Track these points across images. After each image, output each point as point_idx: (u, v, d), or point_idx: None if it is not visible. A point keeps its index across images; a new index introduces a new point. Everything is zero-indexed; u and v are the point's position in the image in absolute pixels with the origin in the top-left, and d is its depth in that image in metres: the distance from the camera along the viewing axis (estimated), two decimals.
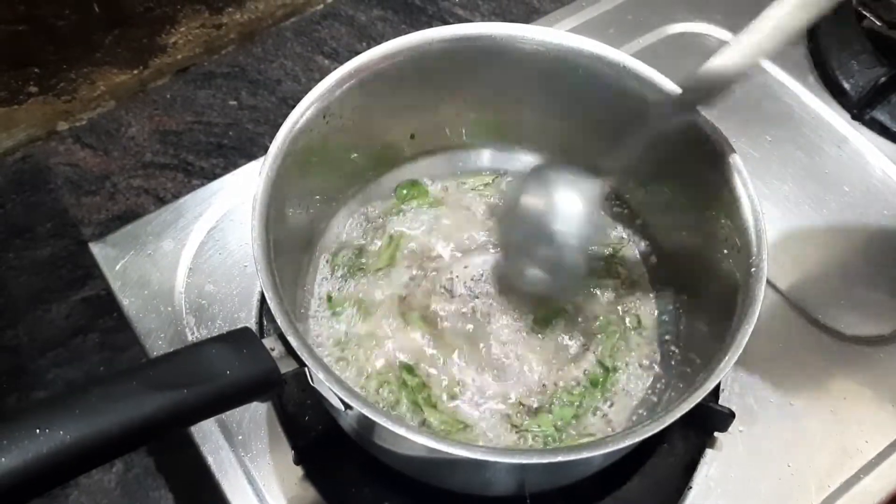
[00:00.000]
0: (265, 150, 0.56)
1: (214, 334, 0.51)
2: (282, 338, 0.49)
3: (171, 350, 0.48)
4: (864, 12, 0.88)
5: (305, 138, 0.58)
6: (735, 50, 0.53)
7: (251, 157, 0.81)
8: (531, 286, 0.64)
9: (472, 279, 0.66)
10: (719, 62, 0.53)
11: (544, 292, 0.65)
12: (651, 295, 0.68)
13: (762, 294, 0.53)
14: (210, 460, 0.62)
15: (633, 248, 0.70)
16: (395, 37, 0.62)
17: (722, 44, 0.86)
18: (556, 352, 0.64)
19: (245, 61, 0.91)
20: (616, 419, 0.62)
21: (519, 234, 0.64)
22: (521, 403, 0.61)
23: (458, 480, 0.58)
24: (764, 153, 0.80)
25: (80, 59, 0.82)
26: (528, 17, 0.95)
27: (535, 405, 0.61)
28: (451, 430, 0.59)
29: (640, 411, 0.62)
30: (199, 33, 0.89)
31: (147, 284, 0.69)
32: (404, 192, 0.72)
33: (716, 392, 0.65)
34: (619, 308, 0.67)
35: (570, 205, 0.60)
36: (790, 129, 0.83)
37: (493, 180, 0.73)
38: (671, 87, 0.60)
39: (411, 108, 0.67)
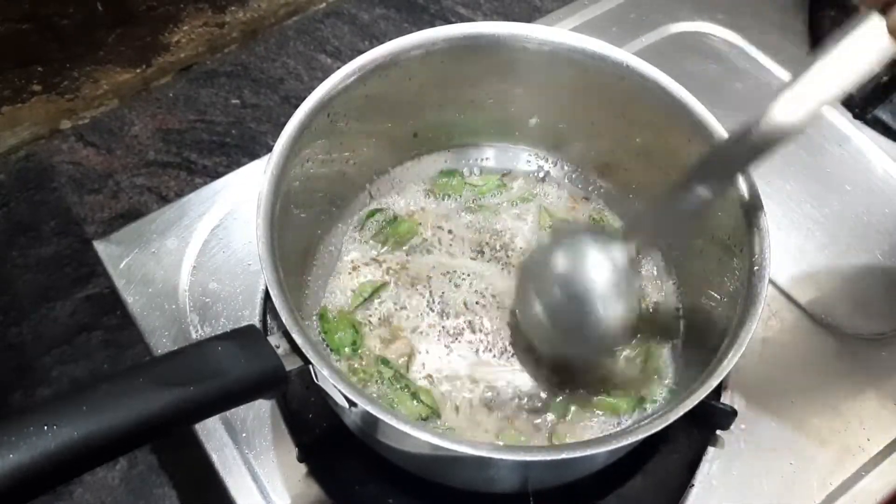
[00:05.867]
0: (268, 148, 0.57)
1: (218, 332, 0.52)
2: (286, 335, 0.49)
3: (176, 348, 0.48)
4: None
5: (309, 137, 0.59)
6: (798, 99, 0.48)
7: (254, 155, 0.82)
8: (549, 350, 0.61)
9: (475, 292, 0.67)
10: (780, 114, 0.48)
11: (560, 357, 0.62)
12: (653, 294, 0.68)
13: (764, 292, 0.53)
14: (214, 458, 0.62)
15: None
16: (397, 36, 0.62)
17: (724, 43, 0.88)
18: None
19: (248, 60, 0.91)
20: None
21: (545, 296, 0.59)
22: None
23: (461, 477, 0.59)
24: None
25: (83, 58, 0.82)
26: (530, 15, 0.95)
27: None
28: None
29: (644, 407, 0.62)
30: (201, 32, 0.89)
31: (151, 282, 0.69)
32: (444, 180, 0.72)
33: (718, 390, 0.65)
34: None
35: (605, 273, 0.56)
36: None
37: (500, 178, 0.73)
38: (673, 86, 0.61)
39: (414, 107, 0.68)
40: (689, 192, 0.53)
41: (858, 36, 0.46)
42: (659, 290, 0.68)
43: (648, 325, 0.66)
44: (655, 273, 0.69)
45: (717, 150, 0.54)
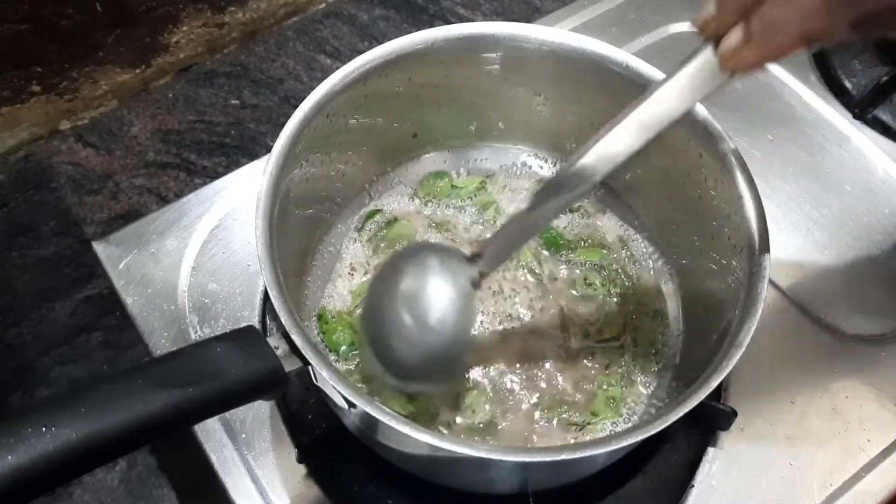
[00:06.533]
0: (267, 149, 0.57)
1: (218, 333, 0.52)
2: (286, 336, 0.49)
3: (176, 349, 0.48)
4: None
5: (309, 137, 0.59)
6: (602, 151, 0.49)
7: (253, 156, 0.82)
8: (395, 382, 0.58)
9: None
10: (610, 145, 0.49)
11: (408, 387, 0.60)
12: (653, 294, 0.68)
13: (764, 293, 0.53)
14: (213, 458, 0.62)
15: (636, 248, 0.70)
16: (396, 36, 0.62)
17: None
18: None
19: (247, 60, 0.91)
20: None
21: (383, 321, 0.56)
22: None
23: (461, 478, 0.59)
24: (766, 152, 0.80)
25: (82, 59, 0.82)
26: (529, 16, 0.95)
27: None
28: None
29: (643, 410, 0.62)
30: (201, 32, 0.89)
31: (150, 283, 0.69)
32: (430, 182, 0.72)
33: (718, 391, 0.65)
34: (623, 308, 0.67)
35: (447, 293, 0.55)
36: (792, 128, 0.83)
37: (480, 182, 0.72)
38: None
39: (413, 108, 0.68)
40: (530, 216, 0.53)
41: (695, 65, 0.45)
42: (658, 290, 0.68)
43: (647, 326, 0.66)
44: (655, 273, 0.69)
45: (550, 182, 0.53)
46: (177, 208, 0.74)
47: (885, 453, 0.64)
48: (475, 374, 0.62)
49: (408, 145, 0.71)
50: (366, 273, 0.67)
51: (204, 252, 0.71)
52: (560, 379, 0.63)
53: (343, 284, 0.67)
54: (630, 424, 0.61)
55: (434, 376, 0.58)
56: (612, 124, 0.49)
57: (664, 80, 0.47)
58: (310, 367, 0.49)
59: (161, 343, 0.67)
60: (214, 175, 0.80)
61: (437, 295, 0.55)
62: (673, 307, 0.67)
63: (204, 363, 0.46)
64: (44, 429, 0.39)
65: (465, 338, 0.58)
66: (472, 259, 0.55)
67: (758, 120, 0.82)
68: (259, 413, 0.64)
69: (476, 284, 0.55)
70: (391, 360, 0.56)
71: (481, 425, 0.60)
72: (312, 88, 0.59)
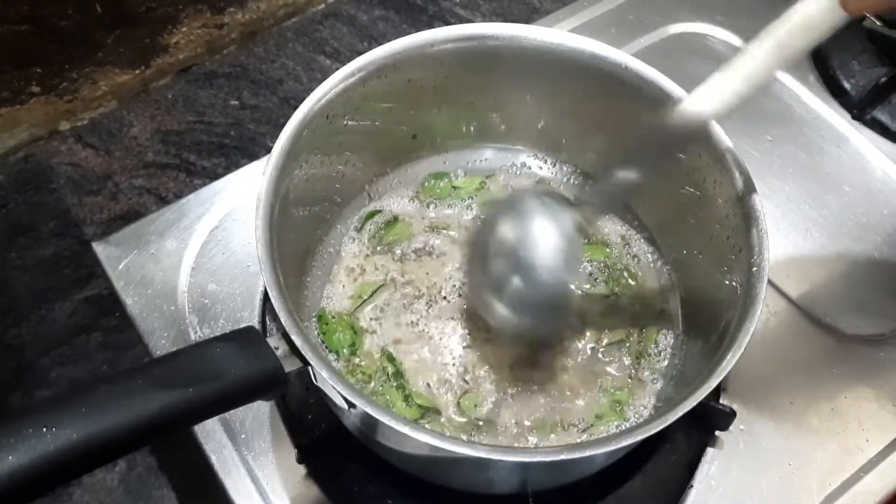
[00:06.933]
0: (267, 150, 0.57)
1: (217, 333, 0.52)
2: (285, 337, 0.49)
3: (176, 349, 0.48)
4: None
5: (308, 138, 0.59)
6: (711, 94, 0.51)
7: (253, 156, 0.82)
8: (499, 324, 0.60)
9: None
10: (694, 107, 0.51)
11: (514, 332, 0.61)
12: (657, 294, 0.68)
13: (763, 293, 0.53)
14: (213, 459, 0.62)
15: (634, 249, 0.70)
16: (396, 37, 0.62)
17: (723, 45, 0.88)
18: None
19: (247, 61, 0.91)
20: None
21: (489, 266, 0.58)
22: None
23: (461, 479, 0.59)
24: (765, 153, 0.80)
25: (82, 59, 0.82)
26: (529, 17, 0.95)
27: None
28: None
29: (646, 411, 0.62)
30: (200, 33, 0.89)
31: (150, 284, 0.69)
32: (430, 182, 0.72)
33: (717, 391, 0.65)
34: (627, 309, 0.67)
35: (547, 237, 0.56)
36: (791, 128, 0.83)
37: (480, 183, 0.72)
38: (672, 87, 0.61)
39: (413, 109, 0.68)
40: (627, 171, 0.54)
41: (807, 6, 0.47)
42: (661, 290, 0.68)
43: (651, 326, 0.66)
44: (654, 273, 0.69)
45: (665, 123, 0.54)
46: (176, 209, 0.74)
47: (883, 453, 0.65)
48: (476, 373, 0.62)
49: (407, 146, 0.71)
50: (365, 266, 0.67)
51: (204, 253, 0.71)
52: (564, 379, 0.63)
53: (343, 285, 0.67)
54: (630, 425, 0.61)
55: (539, 319, 0.59)
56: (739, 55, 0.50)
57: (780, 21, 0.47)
58: (310, 368, 0.49)
59: (161, 344, 0.67)
60: (214, 176, 0.80)
61: (543, 240, 0.55)
62: (673, 307, 0.67)
63: (204, 363, 0.46)
64: (44, 429, 0.39)
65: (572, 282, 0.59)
66: (578, 204, 0.56)
67: (757, 120, 0.82)
68: (259, 413, 0.64)
69: (583, 230, 0.56)
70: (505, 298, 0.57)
71: (482, 425, 0.60)
72: (312, 89, 0.59)
